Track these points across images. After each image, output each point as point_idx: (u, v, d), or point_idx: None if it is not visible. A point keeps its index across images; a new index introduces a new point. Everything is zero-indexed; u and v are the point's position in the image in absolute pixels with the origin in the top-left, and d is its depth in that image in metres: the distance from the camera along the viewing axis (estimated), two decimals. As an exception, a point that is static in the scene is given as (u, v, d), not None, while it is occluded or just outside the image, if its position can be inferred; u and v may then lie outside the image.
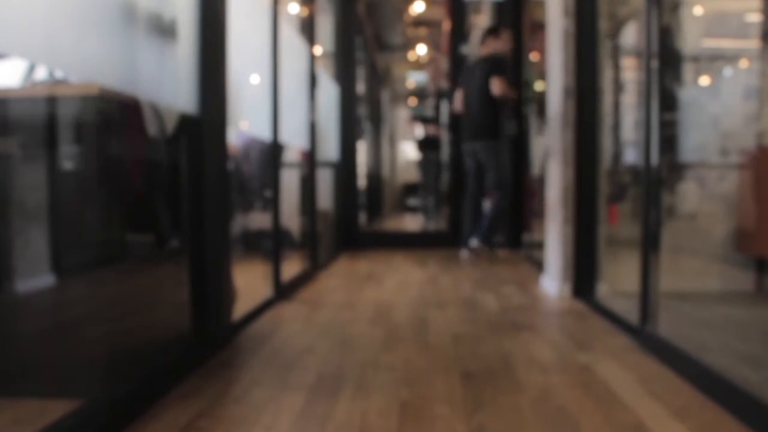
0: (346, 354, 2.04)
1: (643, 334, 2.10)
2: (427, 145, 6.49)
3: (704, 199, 3.19)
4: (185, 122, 1.97)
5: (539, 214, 3.81)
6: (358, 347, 2.12)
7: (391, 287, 3.35)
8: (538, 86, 4.87)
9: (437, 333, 2.32)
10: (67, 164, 1.85)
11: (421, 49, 9.41)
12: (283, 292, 2.97)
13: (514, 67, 5.13)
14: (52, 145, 1.77)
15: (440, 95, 5.91)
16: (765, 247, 2.62)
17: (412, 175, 10.61)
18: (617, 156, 3.62)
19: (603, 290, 2.82)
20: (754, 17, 3.19)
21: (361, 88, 6.28)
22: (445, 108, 5.50)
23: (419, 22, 8.65)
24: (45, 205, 1.76)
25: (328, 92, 4.65)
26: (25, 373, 1.58)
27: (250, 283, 2.85)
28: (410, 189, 10.92)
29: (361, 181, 6.54)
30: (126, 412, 1.46)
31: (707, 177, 3.19)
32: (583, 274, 2.91)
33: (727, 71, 3.47)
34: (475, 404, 1.58)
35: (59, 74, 1.83)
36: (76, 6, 1.36)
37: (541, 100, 4.23)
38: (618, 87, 3.67)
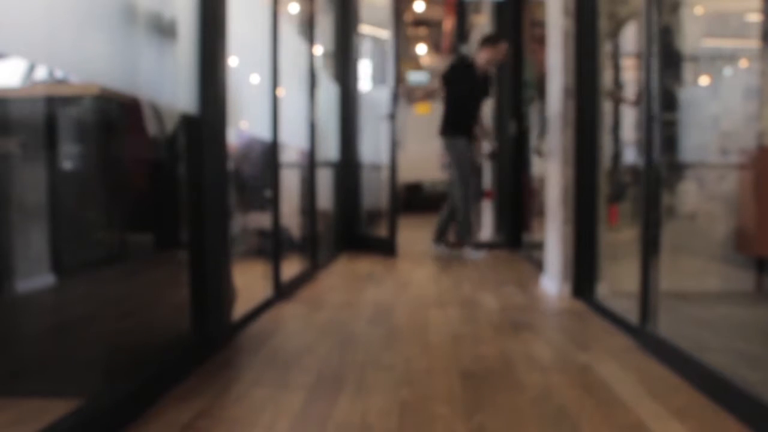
0: (346, 354, 2.04)
1: (643, 334, 2.10)
2: None
3: (704, 199, 3.19)
4: (185, 122, 1.97)
5: (539, 213, 3.81)
6: (358, 347, 2.12)
7: (391, 287, 3.35)
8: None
9: (437, 333, 2.32)
10: (67, 164, 1.85)
11: (421, 49, 9.41)
12: (283, 291, 2.97)
13: (514, 67, 5.14)
14: (52, 145, 1.77)
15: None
16: (765, 247, 2.62)
17: (414, 175, 10.60)
18: (617, 156, 3.62)
19: (603, 290, 2.82)
20: (754, 17, 3.19)
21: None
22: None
23: (419, 21, 8.66)
24: (45, 204, 1.76)
25: (328, 92, 4.65)
26: (25, 373, 1.58)
27: (250, 283, 2.85)
28: (412, 189, 10.91)
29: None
30: (126, 412, 1.46)
31: (707, 177, 3.18)
32: (583, 274, 2.91)
33: (727, 71, 3.47)
34: (475, 404, 1.58)
35: (59, 74, 1.83)
36: (76, 6, 1.36)
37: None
38: (618, 87, 3.67)
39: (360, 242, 5.03)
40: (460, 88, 4.52)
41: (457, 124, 4.53)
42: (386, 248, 4.68)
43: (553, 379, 1.78)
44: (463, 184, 4.48)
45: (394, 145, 4.67)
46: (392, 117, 4.62)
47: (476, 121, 4.68)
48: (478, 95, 4.63)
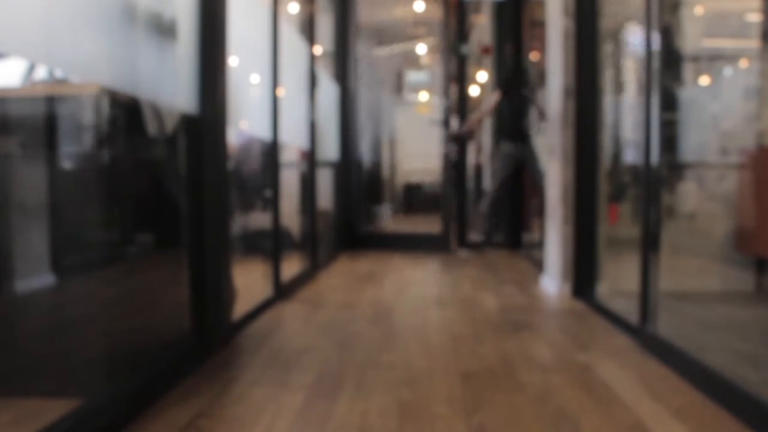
0: (346, 354, 2.04)
1: (643, 334, 2.10)
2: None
3: (704, 199, 3.19)
4: (185, 122, 1.97)
5: (539, 213, 3.81)
6: (358, 347, 2.12)
7: (391, 287, 3.35)
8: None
9: (437, 333, 2.32)
10: (67, 164, 1.85)
11: (421, 49, 9.41)
12: (283, 291, 2.97)
13: (515, 67, 5.13)
14: (51, 145, 1.77)
15: None
16: (765, 247, 2.61)
17: (414, 176, 10.61)
18: (617, 156, 3.61)
19: (603, 290, 2.82)
20: (754, 17, 3.19)
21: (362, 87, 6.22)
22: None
23: (419, 21, 8.64)
24: (45, 204, 1.76)
25: (328, 92, 4.65)
26: (25, 373, 1.58)
27: (250, 283, 2.85)
28: (411, 189, 10.91)
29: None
30: (126, 412, 1.46)
31: (707, 177, 3.18)
32: (583, 274, 2.91)
33: (727, 71, 3.47)
34: (475, 404, 1.58)
35: (59, 74, 1.83)
36: (76, 6, 1.36)
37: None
38: (618, 87, 3.67)
39: (361, 242, 5.06)
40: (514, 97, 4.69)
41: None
42: (440, 244, 4.89)
43: (553, 379, 1.78)
44: (493, 185, 4.82)
45: (450, 151, 5.03)
46: (446, 124, 4.95)
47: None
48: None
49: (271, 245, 2.96)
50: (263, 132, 2.86)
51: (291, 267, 3.30)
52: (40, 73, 1.84)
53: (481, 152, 6.43)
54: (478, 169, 6.50)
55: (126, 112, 2.00)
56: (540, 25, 4.05)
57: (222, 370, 1.87)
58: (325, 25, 4.98)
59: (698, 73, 3.56)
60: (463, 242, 5.19)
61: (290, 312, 2.71)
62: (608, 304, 2.60)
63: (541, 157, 4.58)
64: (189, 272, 1.98)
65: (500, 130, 4.85)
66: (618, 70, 3.56)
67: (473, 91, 6.93)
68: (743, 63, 3.29)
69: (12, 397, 1.53)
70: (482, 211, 4.88)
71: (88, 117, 1.87)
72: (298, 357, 1.99)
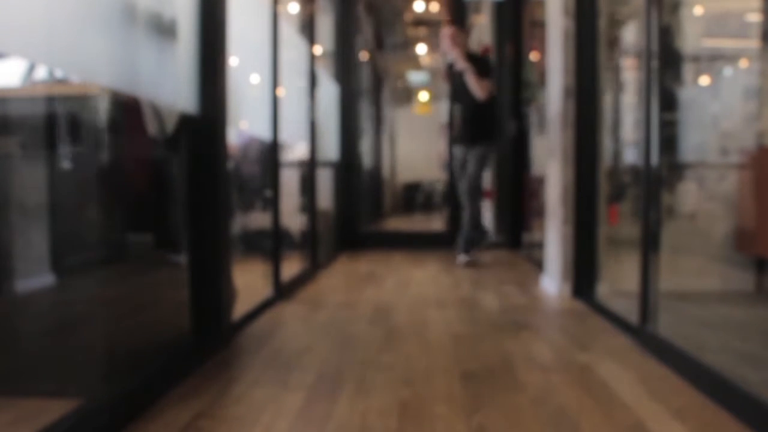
0: (346, 354, 2.04)
1: (643, 334, 2.10)
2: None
3: (704, 199, 3.19)
4: (185, 122, 1.97)
5: (539, 213, 3.81)
6: (358, 347, 2.12)
7: (390, 287, 3.35)
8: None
9: (437, 333, 2.32)
10: (67, 164, 1.85)
11: (421, 49, 9.42)
12: (283, 291, 2.97)
13: (514, 66, 5.14)
14: (51, 145, 1.77)
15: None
16: (765, 247, 2.62)
17: (413, 175, 10.63)
18: (617, 156, 3.61)
19: (603, 290, 2.82)
20: (754, 17, 3.19)
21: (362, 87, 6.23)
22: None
23: (419, 21, 8.65)
24: (45, 205, 1.76)
25: (328, 92, 4.64)
26: (25, 373, 1.58)
27: (250, 283, 2.85)
28: (411, 189, 10.93)
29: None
30: (126, 412, 1.46)
31: (707, 177, 3.18)
32: (583, 274, 2.91)
33: (727, 71, 3.47)
34: (475, 404, 1.58)
35: (59, 74, 1.83)
36: (76, 6, 1.36)
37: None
38: (618, 87, 3.67)
39: (361, 241, 5.07)
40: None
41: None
42: (443, 242, 4.98)
43: (553, 379, 1.78)
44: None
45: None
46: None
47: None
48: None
49: (271, 245, 2.96)
50: (263, 132, 2.86)
51: (291, 267, 3.30)
52: (40, 73, 1.84)
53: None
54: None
55: (126, 112, 2.00)
56: (540, 25, 4.05)
57: (222, 370, 1.87)
58: (325, 25, 4.98)
59: (698, 73, 3.56)
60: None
61: (290, 312, 2.71)
62: (608, 304, 2.60)
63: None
64: (189, 272, 1.98)
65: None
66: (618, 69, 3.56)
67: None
68: (743, 63, 3.29)
69: (12, 397, 1.53)
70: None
71: (88, 117, 1.87)
72: (298, 357, 1.99)
